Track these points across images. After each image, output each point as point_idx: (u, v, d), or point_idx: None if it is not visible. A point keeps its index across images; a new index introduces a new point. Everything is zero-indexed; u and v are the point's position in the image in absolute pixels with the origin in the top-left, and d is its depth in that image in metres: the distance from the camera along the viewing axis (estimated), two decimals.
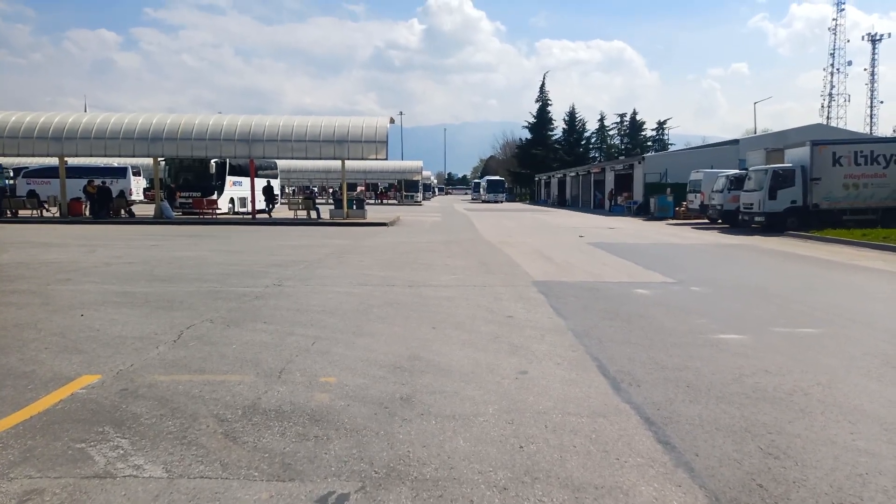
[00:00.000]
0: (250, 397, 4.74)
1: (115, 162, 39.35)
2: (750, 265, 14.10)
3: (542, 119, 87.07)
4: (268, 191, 32.63)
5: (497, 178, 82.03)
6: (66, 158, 29.61)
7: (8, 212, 28.61)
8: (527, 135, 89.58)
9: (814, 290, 10.55)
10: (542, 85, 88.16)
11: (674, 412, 4.52)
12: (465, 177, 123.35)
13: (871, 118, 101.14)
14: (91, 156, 28.79)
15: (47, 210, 29.90)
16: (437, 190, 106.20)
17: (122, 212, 29.47)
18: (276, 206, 33.22)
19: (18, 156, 29.84)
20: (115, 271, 11.59)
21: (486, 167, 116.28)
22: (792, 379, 5.33)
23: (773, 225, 22.96)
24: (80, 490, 3.32)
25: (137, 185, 45.69)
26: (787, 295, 9.79)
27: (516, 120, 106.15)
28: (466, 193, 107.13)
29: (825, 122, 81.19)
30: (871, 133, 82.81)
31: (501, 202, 71.48)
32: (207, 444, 3.90)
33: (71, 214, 28.50)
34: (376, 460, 3.69)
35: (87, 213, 29.01)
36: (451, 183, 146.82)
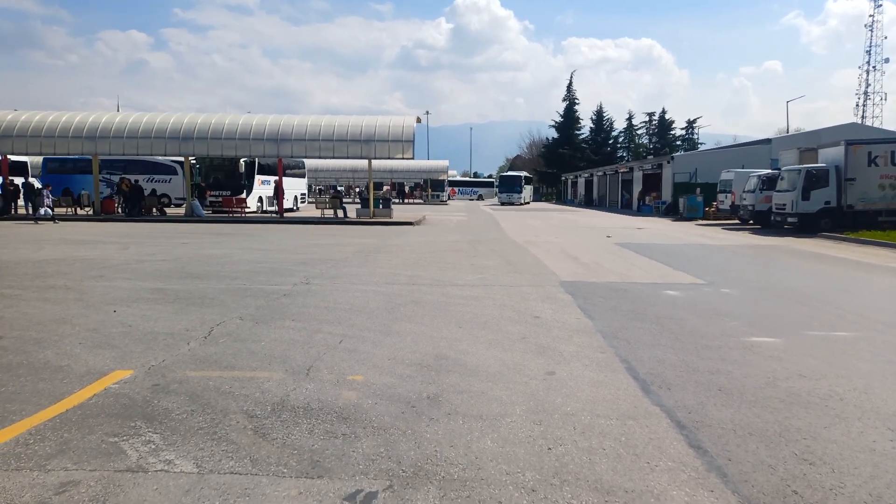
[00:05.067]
0: (279, 394, 4.78)
1: None
2: (782, 267, 13.82)
3: (570, 118, 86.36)
4: (277, 191, 32.46)
5: (514, 173, 68.60)
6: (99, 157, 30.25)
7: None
8: (553, 134, 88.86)
9: (848, 292, 10.30)
10: (570, 84, 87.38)
11: (705, 416, 4.45)
12: (490, 176, 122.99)
13: None
14: (124, 155, 29.38)
15: (81, 208, 30.57)
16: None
17: (154, 210, 30.02)
18: (283, 203, 32.88)
19: (54, 154, 30.61)
20: (147, 268, 11.79)
21: (513, 166, 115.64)
22: (827, 383, 5.21)
23: (806, 226, 22.49)
24: (114, 483, 3.38)
25: None
26: (821, 297, 9.58)
27: (543, 119, 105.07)
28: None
29: (860, 121, 79.19)
30: None
31: (517, 203, 57.46)
32: (237, 440, 3.94)
33: (104, 212, 29.12)
34: (404, 459, 3.69)
35: (120, 210, 29.60)
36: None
